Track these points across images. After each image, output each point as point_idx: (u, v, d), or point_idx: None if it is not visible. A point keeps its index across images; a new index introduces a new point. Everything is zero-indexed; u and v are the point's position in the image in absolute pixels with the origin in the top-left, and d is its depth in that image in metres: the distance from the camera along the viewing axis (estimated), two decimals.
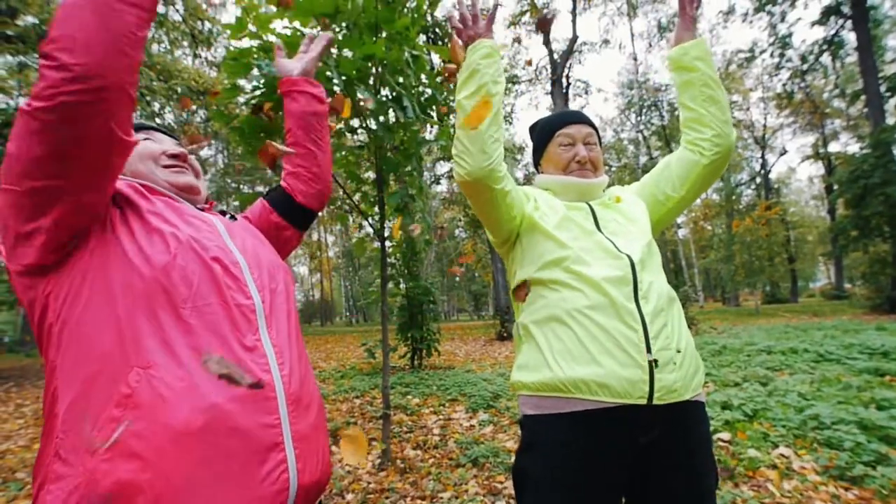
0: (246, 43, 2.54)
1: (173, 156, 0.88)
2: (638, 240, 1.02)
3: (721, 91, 1.11)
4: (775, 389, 3.72)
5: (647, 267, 0.98)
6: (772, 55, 19.46)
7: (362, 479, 2.66)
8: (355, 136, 3.31)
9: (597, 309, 0.90)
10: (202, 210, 0.89)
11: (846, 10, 14.64)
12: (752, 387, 3.86)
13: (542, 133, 1.19)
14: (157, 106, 11.84)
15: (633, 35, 26.38)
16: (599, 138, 1.18)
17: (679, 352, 0.90)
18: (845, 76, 21.62)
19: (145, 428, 0.61)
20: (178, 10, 11.45)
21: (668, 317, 0.93)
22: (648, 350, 0.87)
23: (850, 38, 15.45)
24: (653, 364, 0.86)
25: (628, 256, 0.97)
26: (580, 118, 1.15)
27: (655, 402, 0.85)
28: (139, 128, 0.89)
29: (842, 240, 13.79)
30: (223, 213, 0.93)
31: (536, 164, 1.25)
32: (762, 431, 2.80)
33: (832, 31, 16.29)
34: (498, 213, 1.04)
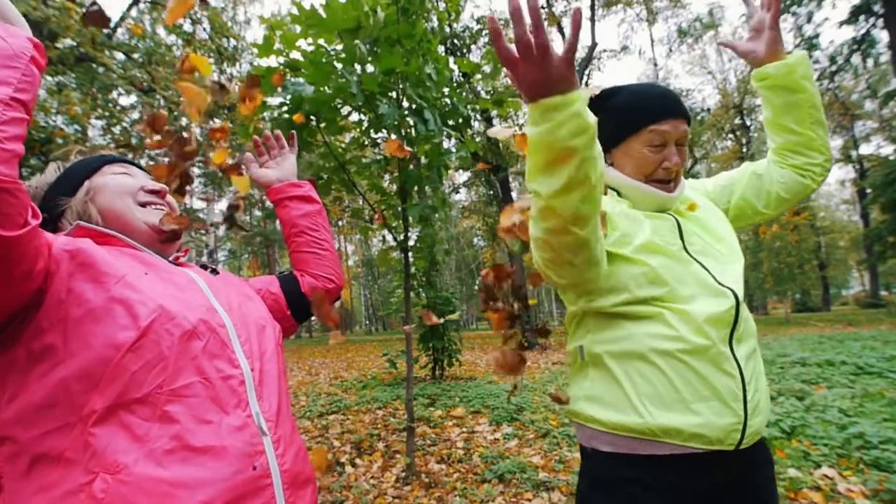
0: (272, 60, 2.61)
1: (152, 192, 0.79)
2: (733, 264, 0.90)
3: (823, 112, 0.99)
4: (813, 404, 3.57)
5: (744, 301, 0.86)
6: None
7: (387, 494, 2.64)
8: (377, 150, 3.35)
9: (693, 353, 0.79)
10: (177, 262, 0.80)
11: (877, 8, 14.19)
12: (789, 401, 3.71)
13: (629, 120, 0.92)
14: (184, 121, 12.23)
15: (652, 41, 26.14)
16: None
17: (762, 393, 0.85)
18: (877, 76, 20.89)
19: None
20: (204, 29, 11.86)
21: (755, 357, 0.86)
22: (744, 397, 0.80)
23: (882, 36, 14.96)
24: (747, 411, 0.80)
25: (733, 292, 0.84)
26: (680, 111, 0.91)
27: (742, 447, 0.81)
28: (114, 160, 0.80)
29: (878, 246, 13.26)
30: (203, 266, 0.84)
31: (604, 149, 0.98)
32: (802, 450, 2.67)
33: (862, 31, 15.80)
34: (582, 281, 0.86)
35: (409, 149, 2.34)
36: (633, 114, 0.92)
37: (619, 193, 0.98)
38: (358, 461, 3.24)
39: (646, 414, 0.80)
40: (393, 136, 2.68)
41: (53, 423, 0.54)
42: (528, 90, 0.66)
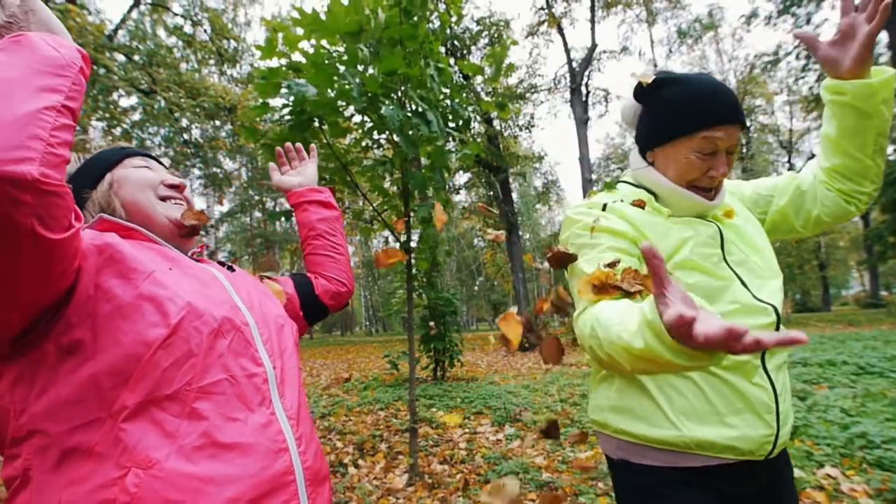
0: (274, 62, 2.62)
1: (171, 186, 0.79)
2: (772, 280, 0.85)
3: (888, 137, 0.90)
4: (815, 404, 3.57)
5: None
6: (797, 57, 19.02)
7: (391, 495, 2.64)
8: (379, 151, 3.36)
9: (728, 368, 0.78)
10: (194, 257, 0.80)
11: None
12: (791, 401, 3.71)
13: (682, 121, 0.83)
14: (184, 122, 12.26)
15: (652, 42, 26.18)
16: None
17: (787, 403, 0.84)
18: None
19: None
20: (205, 31, 11.88)
21: (784, 368, 0.85)
22: (777, 408, 0.80)
23: (882, 37, 14.99)
24: (779, 422, 0.80)
25: (774, 309, 0.81)
26: (738, 117, 0.82)
27: (772, 456, 0.82)
28: (134, 153, 0.80)
29: (878, 246, 13.28)
30: (221, 263, 0.85)
31: (646, 145, 0.91)
32: (805, 449, 2.68)
33: None
34: None
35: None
36: (688, 115, 0.82)
37: (655, 197, 0.91)
38: (361, 462, 3.25)
39: (683, 428, 0.78)
40: (396, 138, 2.69)
41: (83, 417, 0.54)
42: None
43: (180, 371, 0.58)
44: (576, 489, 2.49)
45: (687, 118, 0.82)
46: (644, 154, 0.92)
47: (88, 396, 0.55)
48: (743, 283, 0.82)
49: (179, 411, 0.57)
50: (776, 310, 0.81)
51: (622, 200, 0.90)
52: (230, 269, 0.83)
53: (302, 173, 1.12)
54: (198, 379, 0.59)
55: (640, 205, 0.88)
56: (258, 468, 0.60)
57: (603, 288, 0.74)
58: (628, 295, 0.73)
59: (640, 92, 0.90)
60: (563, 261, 0.87)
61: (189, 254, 0.80)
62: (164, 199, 0.77)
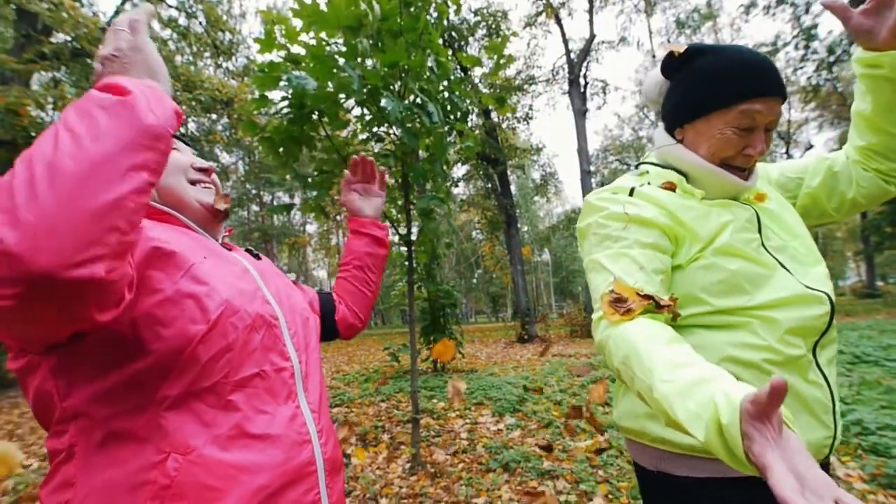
0: (273, 55, 2.60)
1: (201, 169, 0.77)
2: (815, 266, 0.77)
3: None
4: None
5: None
6: (796, 47, 18.95)
7: (394, 484, 2.67)
8: (381, 144, 3.35)
9: (782, 364, 0.69)
10: (224, 244, 0.79)
11: None
12: None
13: (718, 92, 0.75)
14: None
15: (650, 32, 26.02)
16: None
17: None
18: None
19: None
20: (200, 23, 11.76)
21: (834, 362, 0.76)
22: (833, 407, 0.72)
23: None
24: (836, 422, 0.72)
25: (828, 297, 0.73)
26: (779, 89, 0.74)
27: (825, 461, 0.73)
28: None
29: (875, 237, 13.36)
30: (248, 250, 0.84)
31: (675, 121, 0.84)
32: None
33: None
34: None
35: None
36: (725, 85, 0.75)
37: (686, 178, 0.83)
38: (364, 453, 3.28)
39: None
40: (397, 131, 2.69)
41: (126, 405, 0.56)
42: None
43: (218, 365, 0.60)
44: (577, 476, 2.53)
45: (723, 89, 0.75)
46: (672, 131, 0.85)
47: (131, 387, 0.56)
48: (787, 271, 0.75)
49: (215, 402, 0.59)
50: (830, 298, 0.73)
51: (649, 183, 0.83)
52: (257, 256, 0.83)
53: (372, 205, 1.14)
54: (234, 373, 0.61)
55: (670, 188, 0.82)
56: (285, 458, 0.62)
57: (630, 302, 0.68)
58: (658, 307, 0.68)
59: (669, 64, 0.83)
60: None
61: (219, 240, 0.80)
62: (193, 182, 0.76)
